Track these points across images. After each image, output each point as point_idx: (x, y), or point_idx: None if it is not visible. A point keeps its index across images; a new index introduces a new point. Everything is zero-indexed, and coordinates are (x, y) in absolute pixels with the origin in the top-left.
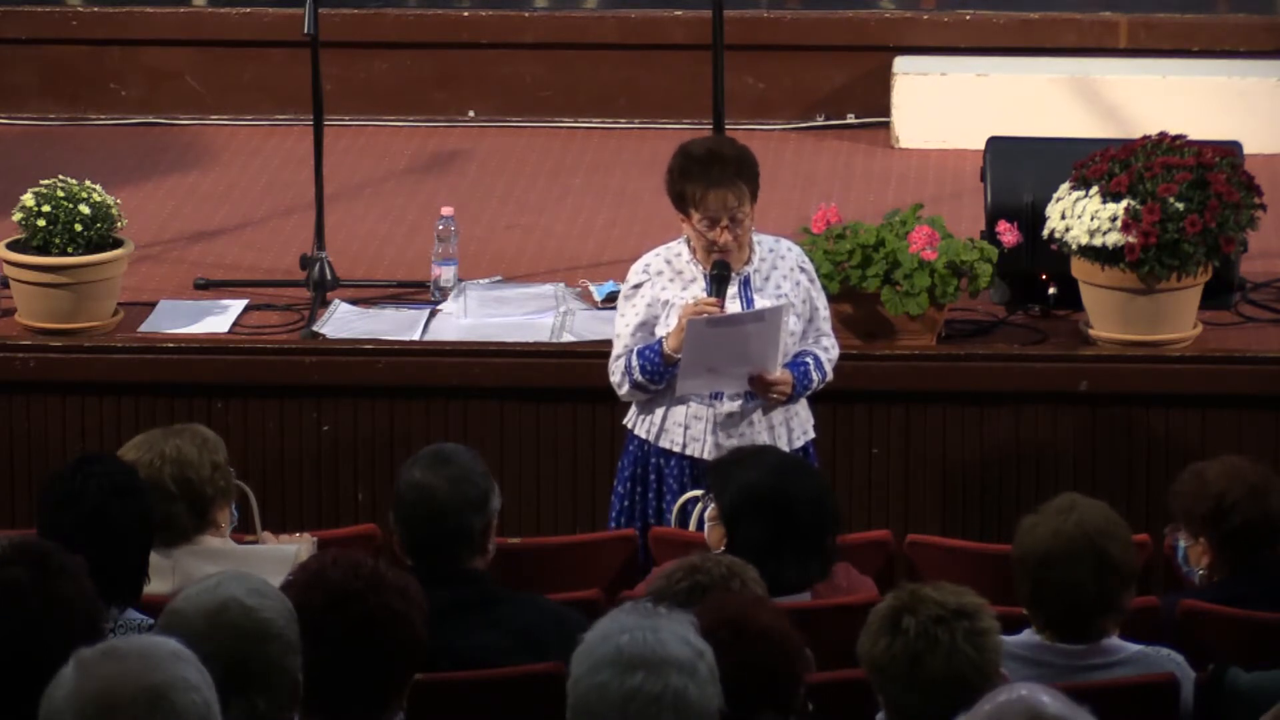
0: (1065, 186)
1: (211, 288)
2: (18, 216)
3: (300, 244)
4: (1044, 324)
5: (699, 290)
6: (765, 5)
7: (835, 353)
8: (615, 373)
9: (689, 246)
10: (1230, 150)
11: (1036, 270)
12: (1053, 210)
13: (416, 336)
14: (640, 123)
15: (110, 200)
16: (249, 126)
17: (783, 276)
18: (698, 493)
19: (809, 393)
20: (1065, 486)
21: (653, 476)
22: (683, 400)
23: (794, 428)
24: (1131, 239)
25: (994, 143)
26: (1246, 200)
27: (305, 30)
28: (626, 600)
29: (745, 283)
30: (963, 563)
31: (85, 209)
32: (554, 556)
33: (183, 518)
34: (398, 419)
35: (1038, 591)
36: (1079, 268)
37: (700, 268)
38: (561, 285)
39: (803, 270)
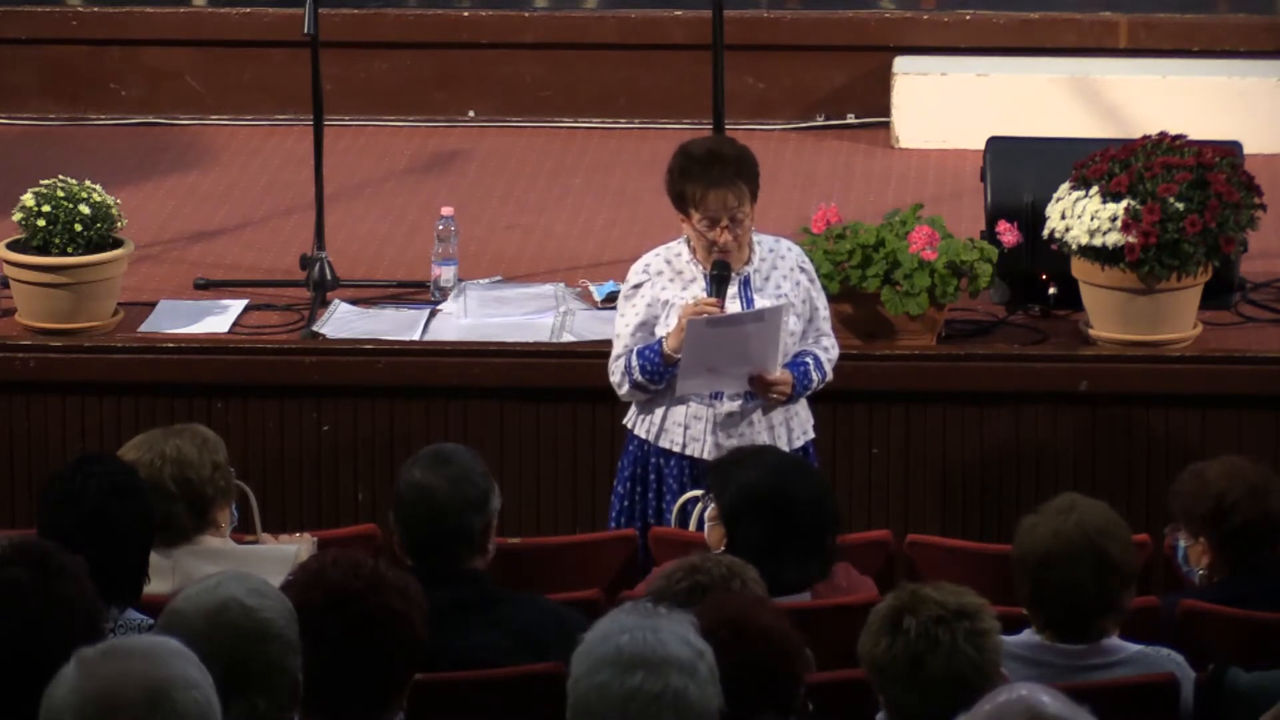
0: (1065, 186)
1: (211, 288)
2: (18, 216)
3: (300, 244)
4: (1044, 324)
5: (699, 290)
6: (765, 5)
7: (835, 353)
8: (615, 373)
9: (689, 246)
10: (1230, 150)
11: (1036, 270)
12: (1053, 210)
13: (416, 336)
14: (640, 123)
15: (110, 200)
16: (249, 126)
17: (783, 276)
18: (698, 493)
19: (809, 393)
20: (1065, 486)
21: (653, 476)
22: (683, 400)
23: (794, 428)
24: (1131, 239)
25: (994, 143)
26: (1246, 200)
27: (305, 30)
28: (626, 600)
29: (745, 283)
30: (963, 563)
31: (85, 209)
32: (554, 556)
33: (183, 518)
34: (398, 419)
35: (1038, 591)
36: (1079, 268)
37: (700, 268)
38: (561, 285)
39: (803, 270)
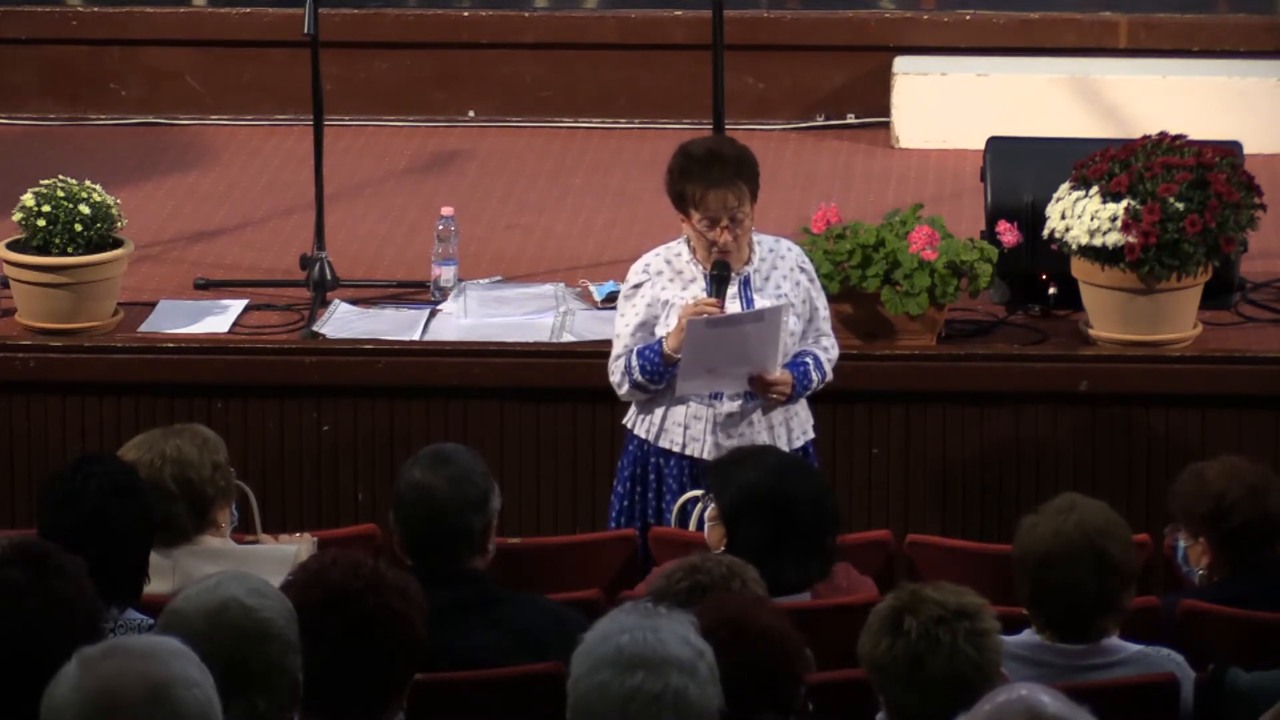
0: (1065, 186)
1: (211, 288)
2: (18, 216)
3: (300, 244)
4: (1044, 324)
5: (699, 290)
6: (765, 5)
7: (835, 353)
8: (615, 373)
9: (689, 246)
10: (1230, 150)
11: (1036, 270)
12: (1053, 210)
13: (416, 336)
14: (640, 123)
15: (110, 200)
16: (249, 126)
17: (782, 276)
18: (698, 493)
19: (809, 393)
20: (1065, 486)
21: (652, 476)
22: (682, 400)
23: (794, 428)
24: (1131, 239)
25: (994, 143)
26: (1246, 200)
27: (305, 30)
28: (626, 600)
29: (745, 283)
30: (963, 563)
31: (85, 209)
32: (554, 556)
33: (183, 518)
34: (398, 419)
35: (1038, 591)
36: (1079, 268)
37: (700, 268)
38: (561, 285)
39: (803, 270)
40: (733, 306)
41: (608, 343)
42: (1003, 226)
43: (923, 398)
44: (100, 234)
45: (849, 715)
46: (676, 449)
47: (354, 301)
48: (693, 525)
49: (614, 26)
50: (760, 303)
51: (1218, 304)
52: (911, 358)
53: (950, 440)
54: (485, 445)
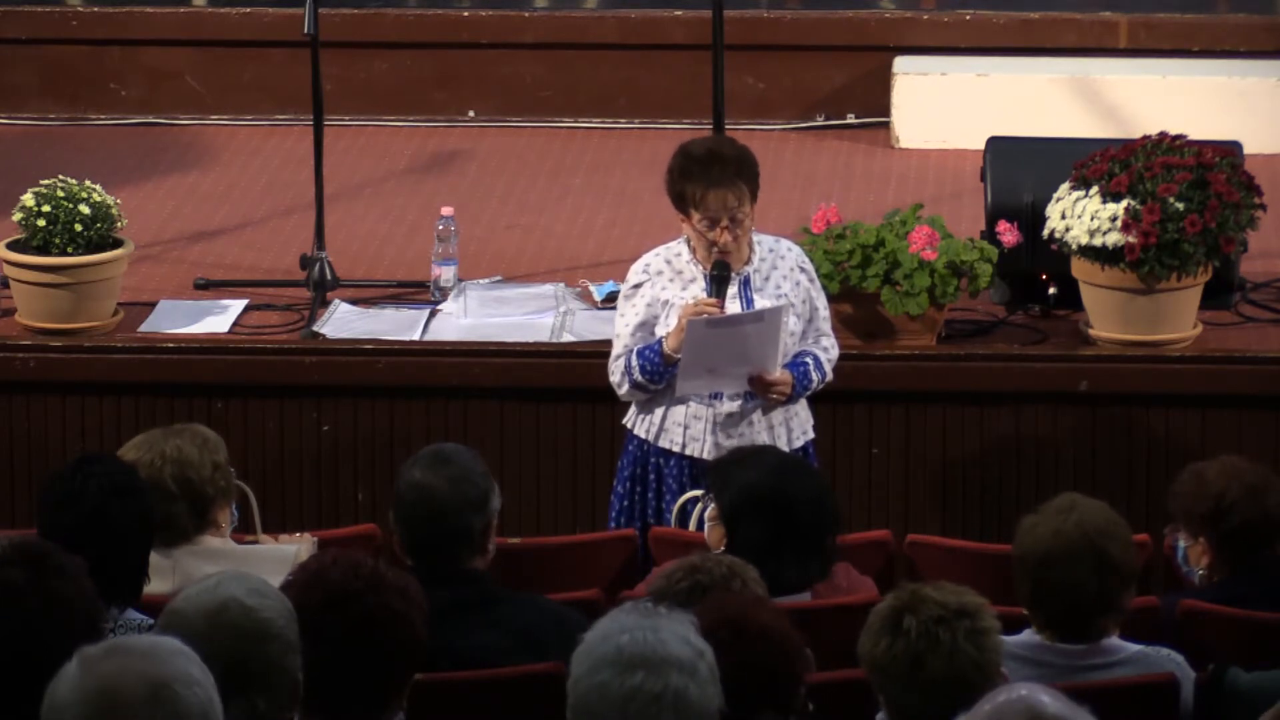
0: (1065, 186)
1: (211, 288)
2: (18, 216)
3: (300, 244)
4: (1044, 324)
5: (699, 290)
6: (765, 5)
7: (835, 353)
8: (615, 373)
9: (689, 246)
10: (1230, 150)
11: (1036, 270)
12: (1053, 210)
13: (416, 336)
14: (640, 123)
15: (110, 200)
16: (249, 126)
17: (782, 277)
18: (698, 493)
19: (809, 393)
20: (1065, 486)
21: (652, 476)
22: (682, 400)
23: (794, 428)
24: (1131, 239)
25: (994, 143)
26: (1246, 200)
27: (305, 30)
28: (626, 600)
29: (745, 283)
30: (963, 563)
31: (85, 209)
32: (554, 556)
33: (183, 518)
34: (398, 419)
35: (1038, 591)
36: (1079, 268)
37: (700, 268)
38: (561, 285)
39: (803, 270)
40: (733, 306)
41: (608, 343)
42: (1003, 226)
43: (923, 398)
44: (100, 234)
45: (849, 715)
46: (676, 449)
47: (354, 301)
48: (693, 525)
49: (614, 26)
50: (760, 303)
51: (1218, 304)
52: (911, 358)
53: (950, 440)
54: (485, 445)
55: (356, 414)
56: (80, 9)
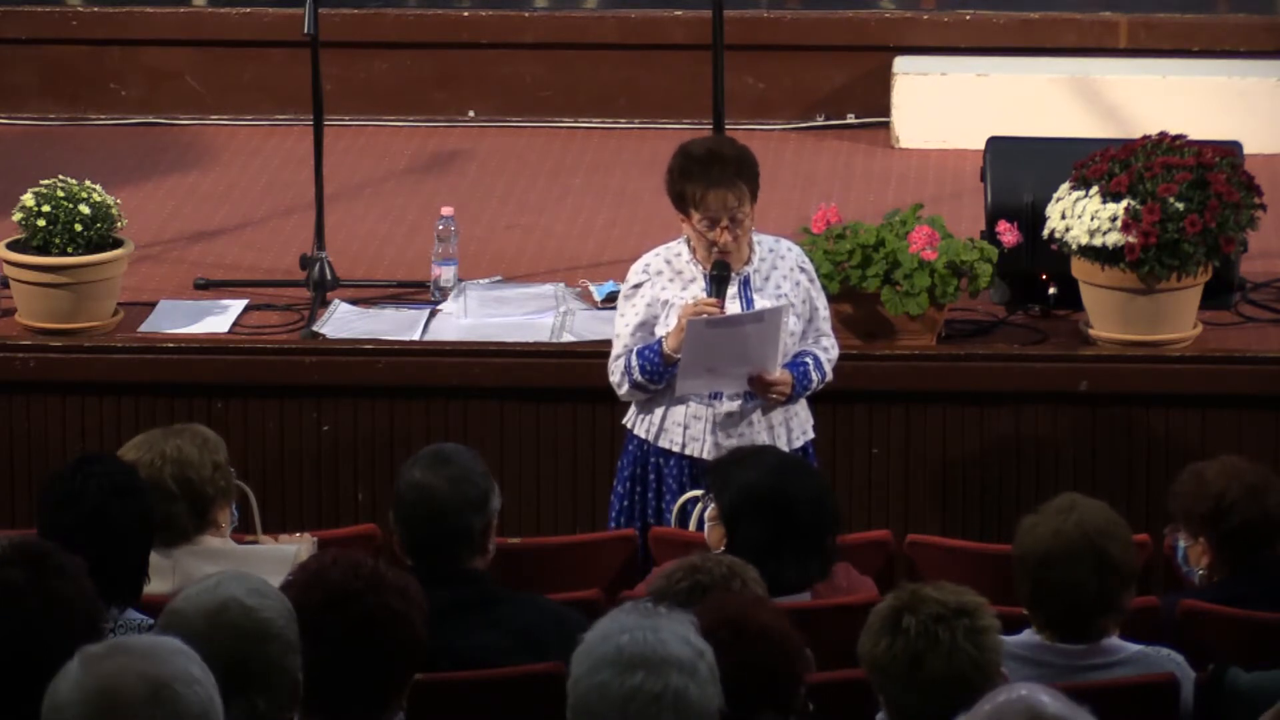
0: (1065, 186)
1: (211, 288)
2: (18, 216)
3: (300, 244)
4: (1044, 324)
5: (699, 290)
6: (765, 5)
7: (835, 353)
8: (615, 372)
9: (689, 246)
10: (1230, 150)
11: (1036, 270)
12: (1053, 210)
13: (416, 336)
14: (640, 123)
15: (110, 200)
16: (249, 126)
17: (782, 277)
18: (698, 493)
19: (808, 393)
20: (1065, 486)
21: (652, 476)
22: (682, 400)
23: (793, 428)
24: (1131, 239)
25: (994, 143)
26: (1246, 200)
27: (305, 30)
28: (626, 600)
29: (745, 283)
30: (963, 563)
31: (85, 209)
32: (554, 556)
33: (183, 518)
34: (398, 419)
35: (1038, 591)
36: (1079, 268)
37: (700, 268)
38: (561, 285)
39: (802, 270)
40: (733, 306)
41: (608, 343)
42: (1003, 226)
43: (923, 398)
44: (100, 234)
45: (849, 715)
46: (676, 449)
47: (354, 301)
48: (693, 525)
49: (614, 26)
50: (760, 303)
51: (1218, 304)
52: (911, 358)
53: (950, 440)
54: (485, 445)
55: (356, 414)
56: (80, 9)
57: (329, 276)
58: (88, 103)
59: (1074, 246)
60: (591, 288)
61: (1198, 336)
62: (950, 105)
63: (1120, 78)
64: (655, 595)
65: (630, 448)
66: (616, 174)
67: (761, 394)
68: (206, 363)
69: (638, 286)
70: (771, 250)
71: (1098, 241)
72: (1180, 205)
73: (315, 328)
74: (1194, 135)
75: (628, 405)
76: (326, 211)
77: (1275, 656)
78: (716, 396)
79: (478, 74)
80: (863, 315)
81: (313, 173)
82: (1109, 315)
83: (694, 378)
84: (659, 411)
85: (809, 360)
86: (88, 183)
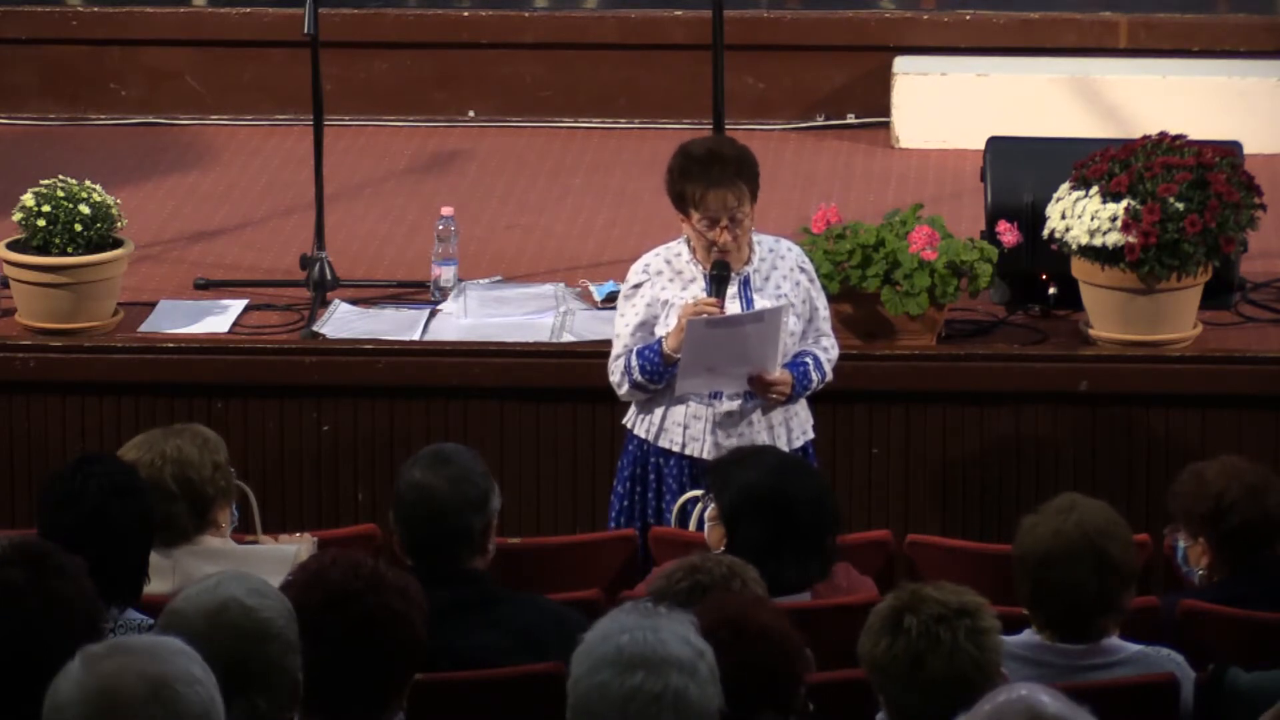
0: (1065, 186)
1: (211, 288)
2: (18, 216)
3: (300, 244)
4: (1044, 324)
5: (699, 290)
6: (765, 5)
7: (835, 353)
8: (615, 372)
9: (689, 246)
10: (1230, 150)
11: (1036, 270)
12: (1053, 210)
13: (416, 336)
14: (640, 123)
15: (110, 200)
16: (249, 126)
17: (782, 277)
18: (698, 493)
19: (808, 393)
20: (1065, 486)
21: (652, 476)
22: (682, 400)
23: (793, 428)
24: (1131, 239)
25: (994, 143)
26: (1246, 200)
27: (305, 30)
28: (626, 600)
29: (745, 283)
30: (963, 563)
31: (85, 209)
32: (554, 556)
33: (183, 518)
34: (398, 419)
35: (1038, 591)
36: (1079, 268)
37: (700, 268)
38: (561, 285)
39: (802, 270)
40: (733, 306)
41: (608, 343)
42: (1003, 226)
43: (923, 398)
44: (100, 234)
45: (849, 715)
46: (676, 449)
47: (354, 301)
48: (693, 525)
49: (614, 26)
50: (760, 303)
51: (1218, 304)
52: (911, 358)
53: (950, 440)
54: (485, 445)
55: (356, 414)
56: (80, 9)
57: (329, 276)
58: (88, 103)
59: (1074, 246)
60: (591, 288)
61: (1198, 336)
62: (950, 105)
63: (1120, 78)
64: (655, 595)
65: (630, 448)
66: (616, 174)
67: (761, 394)
68: (206, 363)
69: (638, 286)
70: (771, 250)
71: (1098, 241)
72: (1180, 205)
73: (315, 328)
74: (1194, 135)
75: (628, 405)
76: (326, 211)
77: (1275, 656)
78: (716, 396)
79: (478, 74)
80: (863, 315)
81: (313, 173)
82: (1109, 315)
83: (694, 377)
84: (659, 411)
85: (809, 360)
86: (88, 183)
